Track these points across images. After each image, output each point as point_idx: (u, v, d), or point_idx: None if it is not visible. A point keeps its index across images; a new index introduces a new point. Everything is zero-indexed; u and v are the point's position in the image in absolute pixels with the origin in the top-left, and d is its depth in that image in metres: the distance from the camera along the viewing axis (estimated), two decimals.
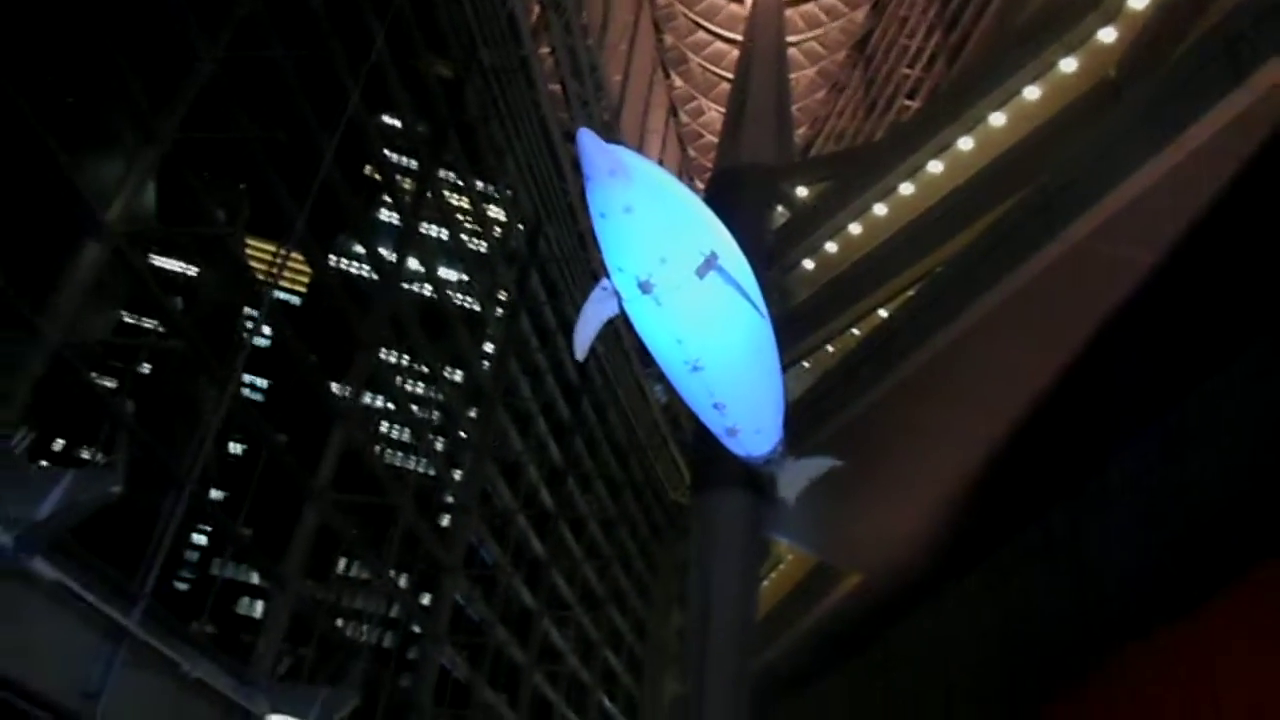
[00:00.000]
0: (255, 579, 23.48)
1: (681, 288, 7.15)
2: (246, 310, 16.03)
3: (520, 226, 24.83)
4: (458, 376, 24.30)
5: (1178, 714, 14.43)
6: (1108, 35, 16.87)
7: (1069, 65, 17.66)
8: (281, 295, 23.21)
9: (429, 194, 19.66)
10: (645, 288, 7.19)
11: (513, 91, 22.32)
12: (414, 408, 21.74)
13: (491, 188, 24.01)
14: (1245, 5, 12.95)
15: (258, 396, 24.26)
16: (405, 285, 18.94)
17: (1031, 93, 18.44)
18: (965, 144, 19.97)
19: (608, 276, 7.50)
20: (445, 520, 23.28)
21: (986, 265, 17.16)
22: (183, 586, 21.74)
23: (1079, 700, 16.92)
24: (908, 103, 28.83)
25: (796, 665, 23.71)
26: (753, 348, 8.55)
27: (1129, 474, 18.04)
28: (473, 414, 22.83)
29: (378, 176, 18.40)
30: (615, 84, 31.56)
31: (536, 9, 23.95)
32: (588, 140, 6.53)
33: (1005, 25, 22.01)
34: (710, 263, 7.05)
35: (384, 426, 23.06)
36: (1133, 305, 15.69)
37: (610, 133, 29.27)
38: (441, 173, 21.23)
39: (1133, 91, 15.28)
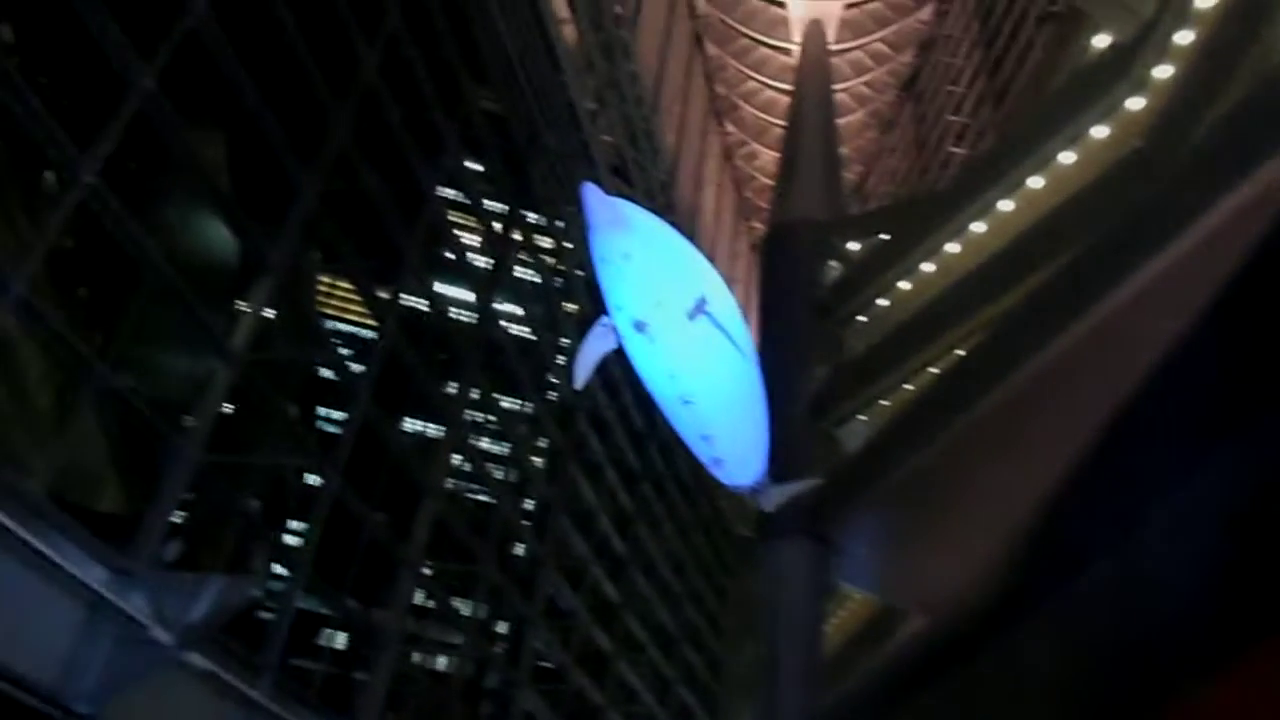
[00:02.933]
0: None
1: (673, 328, 8.20)
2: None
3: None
4: (541, 442, 25.98)
5: None
6: (1135, 104, 17.63)
7: (1100, 132, 18.45)
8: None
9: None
10: (640, 327, 8.30)
11: (576, 171, 23.93)
12: (494, 469, 23.41)
13: (556, 260, 25.68)
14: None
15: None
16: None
17: (1067, 157, 19.25)
18: (1006, 205, 20.81)
19: (607, 315, 8.69)
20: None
21: (1041, 320, 17.95)
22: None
23: None
24: (954, 150, 29.61)
25: (862, 708, 24.48)
26: (738, 385, 9.64)
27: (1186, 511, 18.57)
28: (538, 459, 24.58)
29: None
30: (670, 142, 32.99)
31: (592, 85, 25.53)
32: (591, 194, 7.83)
33: (1041, 86, 22.79)
34: (700, 307, 8.22)
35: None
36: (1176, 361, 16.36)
37: (666, 192, 30.71)
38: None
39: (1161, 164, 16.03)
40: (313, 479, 16.06)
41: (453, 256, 20.60)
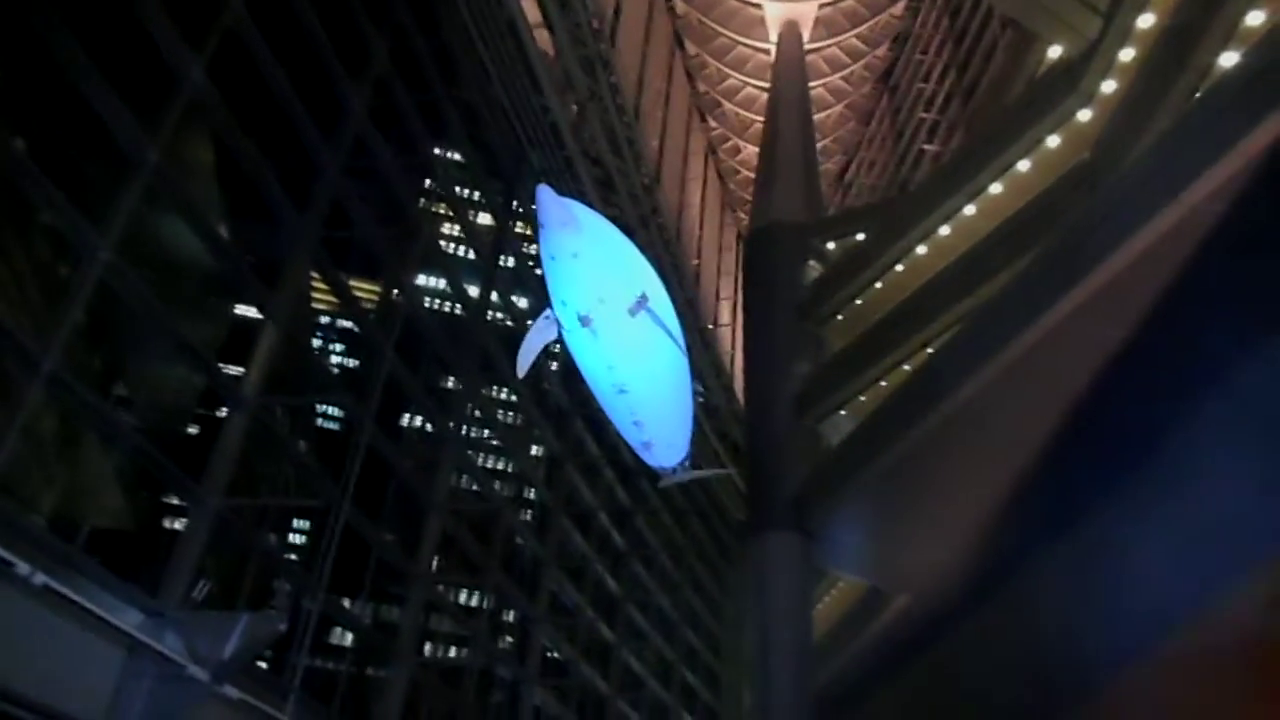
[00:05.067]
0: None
1: (615, 323, 8.81)
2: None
3: None
4: (535, 450, 27.19)
5: None
6: (1084, 116, 18.59)
7: (1053, 142, 19.42)
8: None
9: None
10: (584, 321, 8.82)
11: (561, 187, 24.85)
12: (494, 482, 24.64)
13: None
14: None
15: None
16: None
17: (1023, 165, 20.24)
18: (969, 210, 21.83)
19: (550, 309, 9.22)
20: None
21: (1005, 318, 19.00)
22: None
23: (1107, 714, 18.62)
24: (926, 147, 30.45)
25: (852, 683, 25.71)
26: (670, 375, 10.56)
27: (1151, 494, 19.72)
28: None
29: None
30: (653, 145, 33.80)
31: (572, 102, 26.36)
32: (545, 195, 8.14)
33: (1001, 92, 23.68)
34: (641, 304, 8.95)
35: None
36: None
37: (650, 195, 31.58)
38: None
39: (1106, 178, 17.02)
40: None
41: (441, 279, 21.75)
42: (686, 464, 12.71)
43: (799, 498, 23.59)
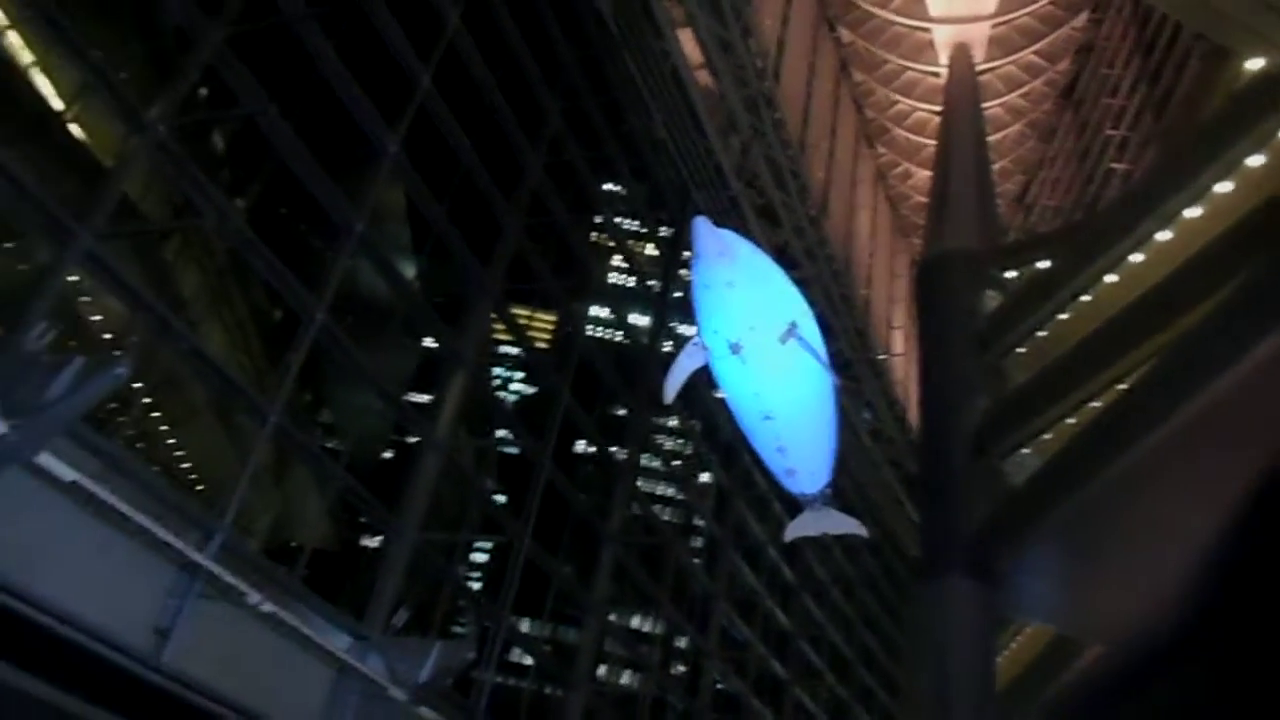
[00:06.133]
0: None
1: (765, 350, 8.93)
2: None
3: None
4: (704, 477, 27.64)
5: None
6: None
7: (1255, 161, 18.03)
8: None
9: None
10: (735, 349, 8.98)
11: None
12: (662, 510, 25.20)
13: None
14: None
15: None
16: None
17: (1224, 187, 18.87)
18: (1164, 236, 20.52)
19: (699, 336, 9.38)
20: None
21: (1207, 351, 17.78)
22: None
23: None
24: (1115, 165, 28.79)
25: None
26: (817, 402, 10.42)
27: None
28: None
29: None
30: (819, 176, 33.77)
31: (737, 143, 26.84)
32: (701, 226, 8.50)
33: (1196, 107, 22.15)
34: (791, 331, 9.03)
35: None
36: None
37: (816, 227, 31.53)
38: None
39: None
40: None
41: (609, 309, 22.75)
42: (829, 491, 12.55)
43: (979, 539, 22.69)
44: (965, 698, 21.33)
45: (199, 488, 21.08)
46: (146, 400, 18.96)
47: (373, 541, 21.27)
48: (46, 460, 8.33)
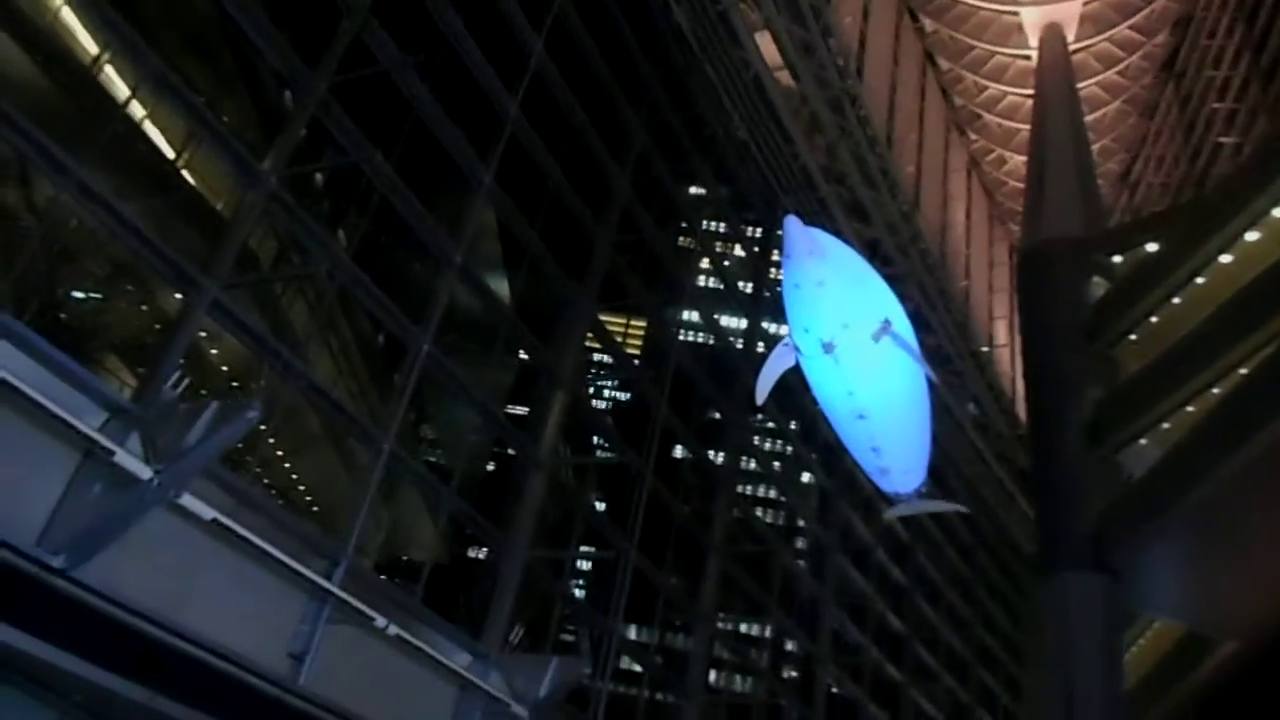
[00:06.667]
0: None
1: (858, 349, 8.75)
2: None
3: None
4: (805, 478, 27.49)
5: None
6: None
7: None
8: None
9: None
10: (828, 348, 8.78)
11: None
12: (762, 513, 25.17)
13: None
14: None
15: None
16: None
17: None
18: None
19: (789, 337, 9.17)
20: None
21: None
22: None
23: None
24: (1223, 140, 27.35)
25: None
26: (911, 400, 10.13)
27: None
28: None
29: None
30: (909, 170, 33.16)
31: (822, 143, 26.61)
32: (792, 225, 8.24)
33: None
34: (885, 329, 8.72)
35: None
36: None
37: (909, 222, 30.95)
38: None
39: None
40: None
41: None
42: (923, 490, 12.31)
43: (1099, 533, 21.93)
44: (1091, 696, 20.65)
45: (314, 508, 22.07)
46: (264, 428, 19.90)
47: (479, 553, 21.89)
48: (188, 500, 8.93)
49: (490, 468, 23.11)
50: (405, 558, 24.94)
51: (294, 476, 22.13)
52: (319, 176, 19.45)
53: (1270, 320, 19.16)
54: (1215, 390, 20.67)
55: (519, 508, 15.08)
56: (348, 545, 11.54)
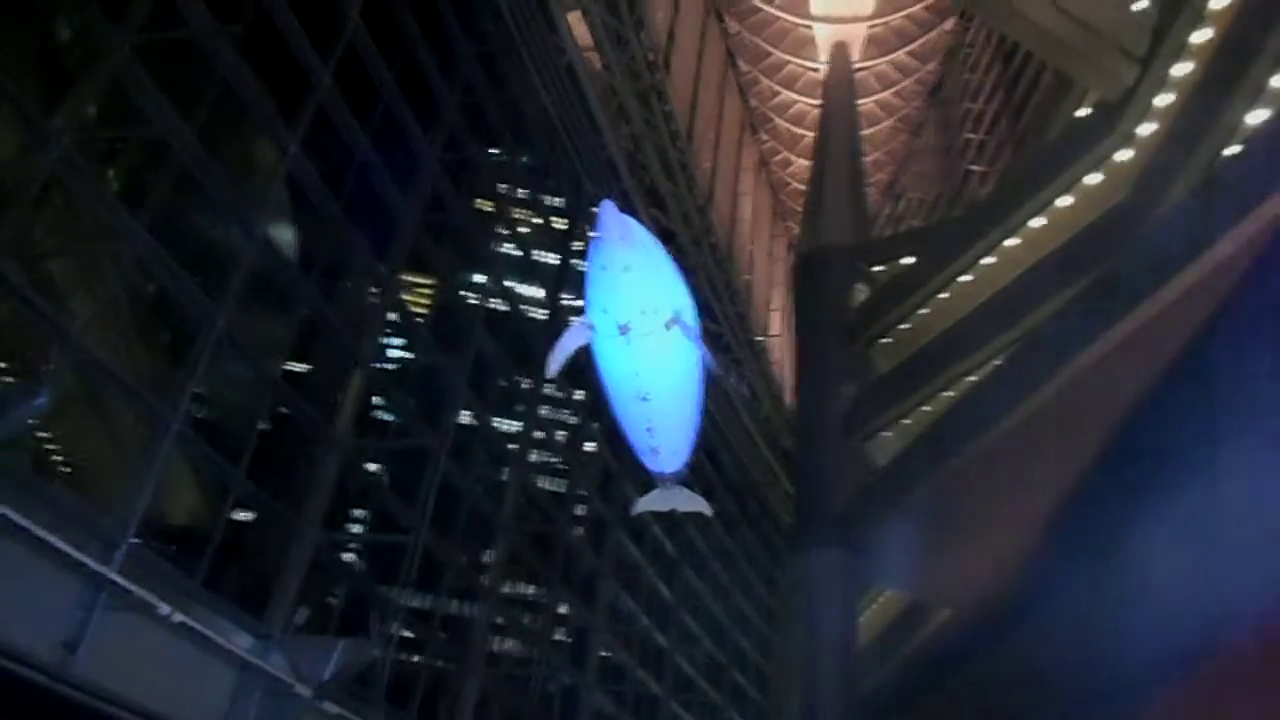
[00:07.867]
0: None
1: (651, 334, 9.43)
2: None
3: None
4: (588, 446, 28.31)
5: None
6: (1123, 156, 19.22)
7: (1093, 180, 20.07)
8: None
9: None
10: (623, 330, 9.38)
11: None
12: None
13: None
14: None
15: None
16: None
17: (1064, 201, 20.90)
18: (1013, 242, 22.50)
19: (587, 314, 9.66)
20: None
21: (1046, 352, 19.69)
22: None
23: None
24: (973, 168, 30.94)
25: (894, 692, 26.63)
26: (689, 387, 11.25)
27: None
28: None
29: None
30: (706, 165, 34.79)
31: (628, 133, 27.50)
32: (608, 210, 8.74)
33: (1045, 125, 24.24)
34: (676, 319, 9.46)
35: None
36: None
37: (703, 215, 32.60)
38: None
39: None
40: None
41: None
42: (685, 472, 13.30)
43: (845, 514, 24.54)
44: (829, 654, 23.33)
45: (68, 470, 20.38)
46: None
47: (245, 515, 21.03)
48: None
49: (263, 426, 22.19)
50: (166, 519, 23.51)
51: (50, 447, 20.31)
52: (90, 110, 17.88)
53: (998, 336, 22.26)
54: (949, 393, 23.70)
55: (310, 490, 14.94)
56: (126, 529, 11.11)
